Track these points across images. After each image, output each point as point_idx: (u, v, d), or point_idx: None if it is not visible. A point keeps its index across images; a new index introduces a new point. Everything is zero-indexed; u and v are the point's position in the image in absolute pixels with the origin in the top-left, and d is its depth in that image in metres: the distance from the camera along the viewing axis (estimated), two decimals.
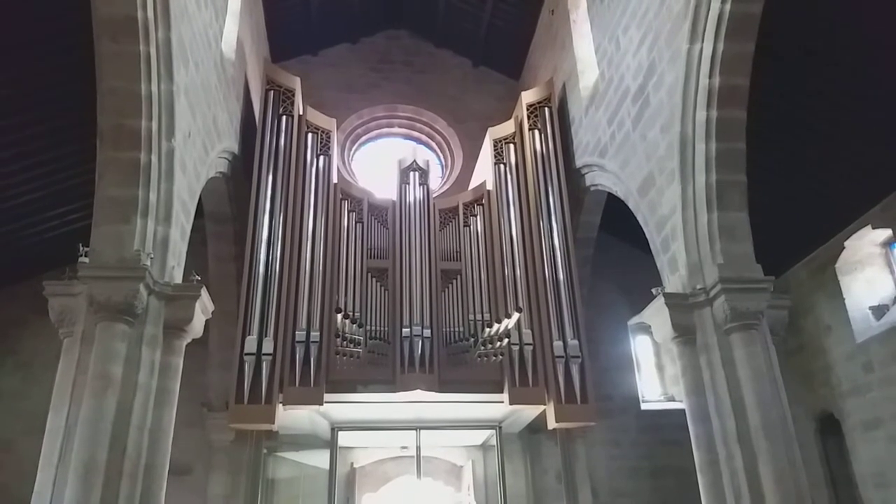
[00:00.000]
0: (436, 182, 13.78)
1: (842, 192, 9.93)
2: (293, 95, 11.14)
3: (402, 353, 9.78)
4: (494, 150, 11.65)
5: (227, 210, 10.68)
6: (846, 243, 10.52)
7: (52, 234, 10.77)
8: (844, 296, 10.62)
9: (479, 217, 11.18)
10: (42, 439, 6.15)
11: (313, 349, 9.43)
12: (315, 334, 9.53)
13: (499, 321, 9.48)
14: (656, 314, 7.65)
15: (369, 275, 10.46)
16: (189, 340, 7.24)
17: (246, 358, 9.09)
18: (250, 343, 9.17)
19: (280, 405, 9.17)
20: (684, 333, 7.38)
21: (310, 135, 11.14)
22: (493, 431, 10.99)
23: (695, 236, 7.54)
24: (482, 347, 9.68)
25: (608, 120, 9.93)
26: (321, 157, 11.05)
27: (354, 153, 14.81)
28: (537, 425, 10.88)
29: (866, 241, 10.48)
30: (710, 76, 7.26)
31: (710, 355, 7.13)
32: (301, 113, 11.23)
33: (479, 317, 10.11)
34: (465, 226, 11.17)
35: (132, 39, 6.58)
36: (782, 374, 7.03)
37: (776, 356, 7.10)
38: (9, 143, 8.94)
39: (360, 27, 15.18)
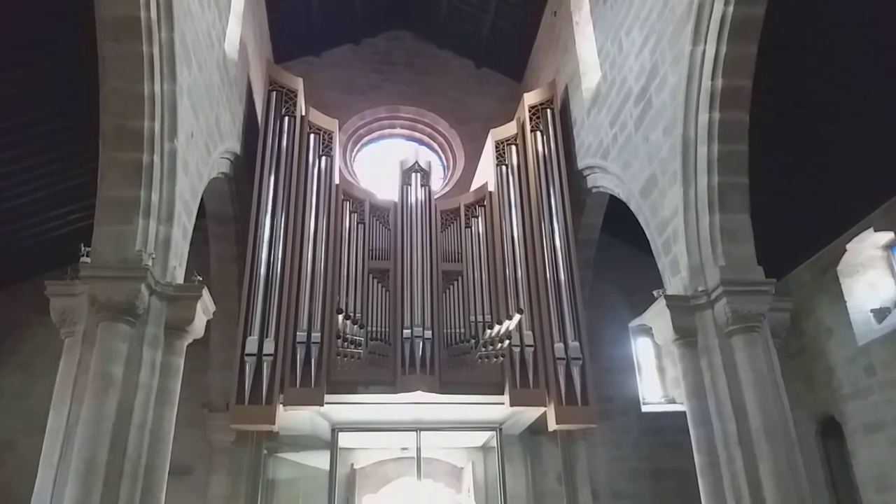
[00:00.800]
0: (437, 183, 13.77)
1: (844, 195, 9.92)
2: (295, 96, 11.15)
3: (403, 354, 9.77)
4: (496, 151, 11.65)
5: (229, 210, 10.69)
6: (848, 246, 10.51)
7: (54, 234, 10.79)
8: (846, 298, 10.61)
9: (480, 218, 11.18)
10: (43, 439, 6.16)
11: (314, 350, 9.43)
12: (316, 335, 9.53)
13: (500, 322, 9.48)
14: (657, 316, 7.65)
15: (370, 276, 10.45)
16: (190, 341, 7.24)
17: (247, 358, 9.09)
18: (251, 344, 9.17)
19: (281, 406, 9.17)
20: (685, 336, 7.37)
21: (312, 135, 11.15)
22: (494, 433, 10.99)
23: (696, 238, 7.53)
24: (483, 349, 9.68)
25: (610, 122, 9.93)
26: (323, 158, 11.06)
27: (356, 154, 14.81)
28: (538, 427, 10.87)
29: (868, 244, 10.46)
30: (713, 78, 7.26)
31: (712, 358, 7.13)
32: (303, 114, 11.23)
33: (480, 318, 10.10)
34: (466, 227, 11.16)
35: (135, 40, 6.59)
36: (783, 377, 7.03)
37: (777, 359, 7.10)
38: (11, 143, 8.96)
39: (362, 28, 15.19)
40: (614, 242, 12.85)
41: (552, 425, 9.73)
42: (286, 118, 10.92)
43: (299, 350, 9.41)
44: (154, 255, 6.75)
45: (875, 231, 10.03)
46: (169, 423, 6.69)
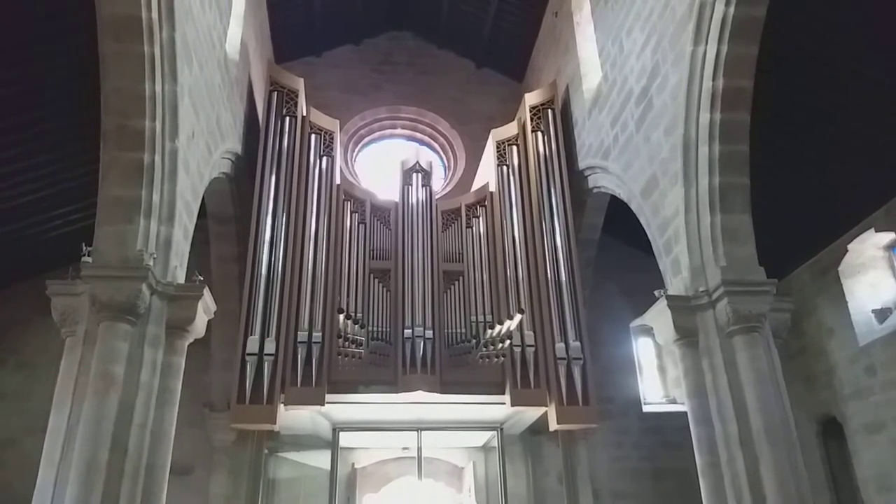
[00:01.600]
0: (438, 183, 13.78)
1: (845, 196, 9.91)
2: (296, 96, 11.15)
3: (404, 354, 9.77)
4: (497, 151, 11.65)
5: (229, 210, 10.69)
6: (849, 246, 10.50)
7: (55, 234, 10.79)
8: (847, 299, 10.60)
9: (481, 218, 11.18)
10: (44, 438, 6.16)
11: (315, 350, 9.43)
12: (317, 335, 9.53)
13: (501, 322, 9.48)
14: (658, 316, 7.65)
15: (371, 276, 10.46)
16: (191, 340, 7.24)
17: (248, 358, 9.10)
18: (252, 343, 9.18)
19: (281, 405, 9.17)
20: (686, 336, 7.37)
21: (313, 136, 11.15)
22: (495, 433, 10.98)
23: (697, 239, 7.54)
24: (484, 349, 9.68)
25: (611, 122, 9.93)
26: (324, 158, 11.06)
27: (357, 154, 14.82)
28: (539, 427, 10.87)
29: (869, 245, 10.46)
30: (714, 79, 7.26)
31: (713, 358, 7.13)
32: (304, 114, 11.24)
33: (480, 318, 10.10)
34: (467, 227, 11.16)
35: (136, 39, 6.59)
36: (784, 377, 7.03)
37: (778, 359, 7.10)
38: (12, 143, 8.96)
39: (363, 29, 15.19)
40: (615, 243, 12.84)
41: (553, 425, 9.74)
42: (287, 118, 10.93)
43: (300, 350, 9.41)
44: (155, 255, 6.75)
45: (876, 231, 10.03)
46: (170, 422, 6.69)
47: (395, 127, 15.17)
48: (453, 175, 14.46)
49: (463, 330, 10.16)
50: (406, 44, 15.63)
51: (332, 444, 10.59)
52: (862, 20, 7.83)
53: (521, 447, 11.75)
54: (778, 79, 8.42)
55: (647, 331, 10.23)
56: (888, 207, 9.73)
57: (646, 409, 12.72)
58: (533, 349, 9.90)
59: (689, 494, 8.34)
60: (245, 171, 10.60)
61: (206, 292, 7.19)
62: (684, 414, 7.43)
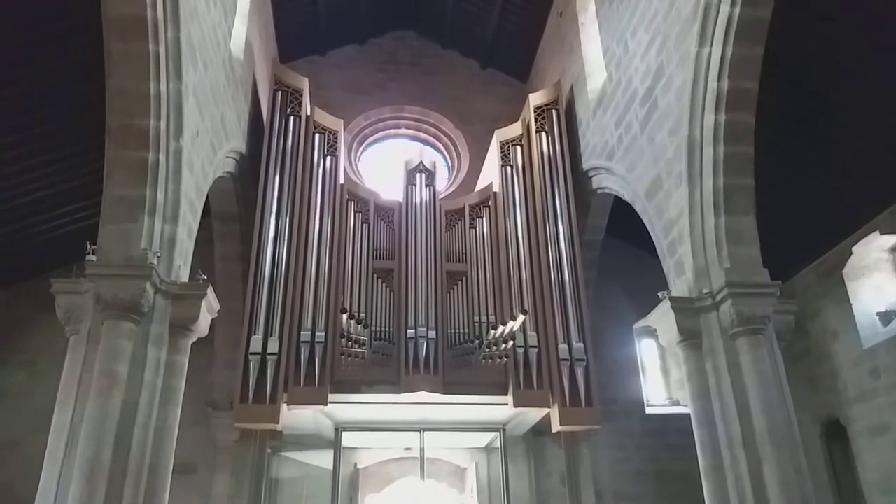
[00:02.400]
0: (442, 183, 13.79)
1: (850, 197, 9.88)
2: (301, 96, 11.16)
3: (407, 354, 9.77)
4: (501, 151, 11.64)
5: (233, 209, 10.70)
6: (854, 248, 10.46)
7: (60, 233, 10.82)
8: (852, 301, 10.56)
9: (485, 219, 11.18)
10: (47, 437, 6.18)
11: (318, 349, 9.44)
12: (320, 334, 9.54)
13: (504, 323, 9.46)
14: (662, 318, 7.64)
15: (375, 275, 10.46)
16: (195, 339, 7.25)
17: (251, 357, 9.11)
18: (255, 342, 9.19)
19: (284, 405, 9.18)
20: (690, 337, 7.36)
21: (317, 135, 11.16)
22: (498, 434, 10.97)
23: (702, 240, 7.52)
24: (487, 349, 9.66)
25: (616, 123, 9.92)
26: (328, 158, 11.07)
27: (361, 154, 14.83)
28: (541, 428, 10.86)
29: (874, 247, 10.41)
30: (719, 80, 7.25)
31: (716, 360, 7.12)
32: (308, 113, 11.25)
33: (484, 319, 10.09)
34: (471, 227, 11.16)
35: (141, 39, 6.61)
36: (788, 380, 7.03)
37: (782, 361, 7.08)
38: (17, 142, 8.99)
39: (367, 28, 15.19)
40: (619, 244, 12.82)
41: (556, 426, 9.72)
42: (291, 118, 10.94)
43: (303, 349, 9.41)
44: (159, 254, 6.77)
45: (881, 234, 9.99)
46: (173, 421, 6.70)
47: (398, 127, 15.17)
48: (457, 175, 14.46)
49: (466, 330, 10.15)
50: (410, 44, 15.63)
51: (335, 444, 10.59)
52: (867, 21, 7.80)
53: (523, 448, 11.74)
54: (783, 80, 8.40)
55: (651, 332, 10.19)
56: (893, 210, 9.69)
57: (649, 410, 12.70)
58: (536, 350, 9.89)
59: (692, 496, 8.31)
60: (249, 170, 10.61)
61: (210, 291, 7.20)
62: (687, 416, 7.42)
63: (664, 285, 8.13)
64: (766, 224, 7.58)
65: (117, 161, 6.83)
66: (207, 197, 8.75)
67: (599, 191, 10.89)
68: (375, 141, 15.13)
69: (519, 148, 11.68)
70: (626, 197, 9.71)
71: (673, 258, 8.11)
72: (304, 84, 11.33)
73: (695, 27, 7.44)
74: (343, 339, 9.46)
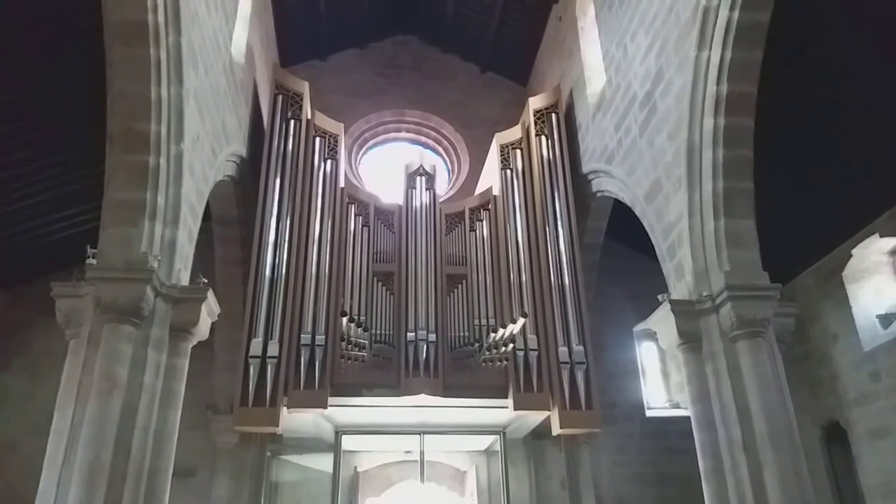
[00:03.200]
0: (442, 187, 13.80)
1: (849, 201, 9.89)
2: (301, 100, 11.18)
3: (407, 357, 9.78)
4: (501, 155, 11.67)
5: (234, 213, 10.71)
6: (853, 251, 10.47)
7: (60, 236, 10.82)
8: (851, 304, 10.57)
9: (485, 222, 11.19)
10: (47, 440, 6.17)
11: (318, 352, 9.45)
12: (320, 338, 9.55)
13: (504, 326, 9.47)
14: (662, 321, 7.64)
15: (375, 279, 10.47)
16: (195, 343, 7.25)
17: (251, 361, 9.11)
18: (255, 346, 9.19)
19: (284, 408, 9.18)
20: (690, 340, 7.36)
21: (317, 139, 11.18)
22: (498, 437, 10.96)
23: (701, 243, 7.53)
24: (487, 352, 9.67)
25: (615, 126, 9.94)
26: (328, 161, 11.09)
27: (361, 157, 14.85)
28: (542, 431, 10.85)
29: (874, 250, 10.43)
30: (718, 83, 7.27)
31: (716, 363, 7.11)
32: (309, 117, 11.27)
33: (484, 322, 10.11)
34: (471, 231, 11.18)
35: (143, 43, 6.63)
36: (788, 383, 7.01)
37: (782, 364, 7.08)
38: (18, 146, 8.99)
39: (368, 32, 15.23)
40: (619, 247, 12.84)
41: (556, 429, 9.72)
42: (292, 121, 10.96)
43: (303, 352, 9.42)
44: (159, 258, 6.77)
45: (881, 237, 10.01)
46: (173, 424, 6.69)
47: (399, 130, 15.20)
48: (457, 178, 14.48)
49: (466, 333, 10.17)
50: (411, 48, 15.66)
51: (335, 448, 10.58)
52: (867, 24, 7.82)
53: (523, 451, 11.72)
54: (782, 83, 8.41)
55: (651, 335, 10.23)
56: (892, 213, 9.71)
57: (649, 413, 12.70)
58: (536, 353, 9.89)
59: (692, 500, 8.30)
60: (250, 174, 10.63)
61: (210, 295, 7.21)
62: (688, 419, 7.42)
63: (664, 288, 8.13)
64: (766, 227, 7.58)
65: (118, 165, 6.84)
66: (208, 201, 8.76)
67: (599, 194, 10.91)
68: (376, 144, 15.15)
69: (519, 151, 11.70)
70: (626, 200, 9.72)
71: (673, 261, 8.11)
72: (305, 88, 11.36)
73: (694, 31, 7.46)
74: (343, 343, 9.47)
